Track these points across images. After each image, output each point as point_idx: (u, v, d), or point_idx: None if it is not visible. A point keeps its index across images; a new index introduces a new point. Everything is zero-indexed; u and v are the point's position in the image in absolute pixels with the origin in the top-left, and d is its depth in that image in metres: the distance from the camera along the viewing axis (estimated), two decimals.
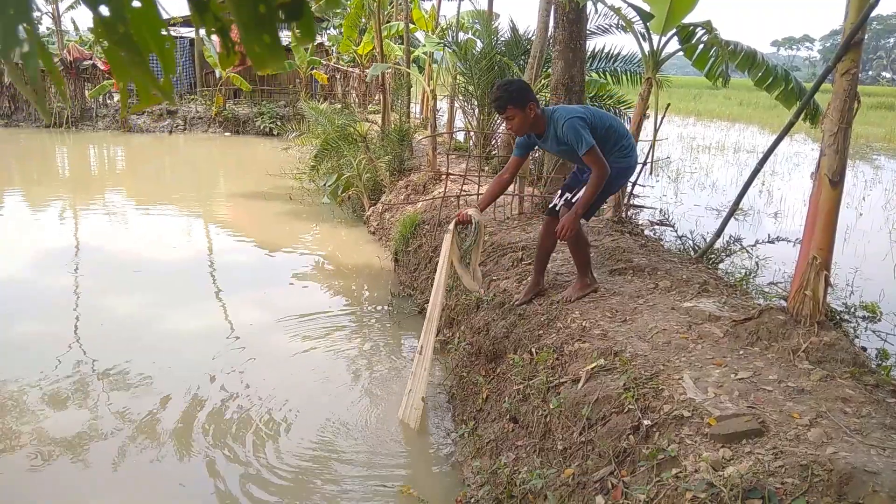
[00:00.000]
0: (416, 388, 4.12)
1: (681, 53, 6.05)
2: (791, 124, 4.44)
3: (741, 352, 3.33)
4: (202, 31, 1.08)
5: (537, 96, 4.11)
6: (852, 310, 5.14)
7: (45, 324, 5.69)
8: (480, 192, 6.67)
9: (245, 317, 6.00)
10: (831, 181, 3.37)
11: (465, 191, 6.81)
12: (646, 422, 2.85)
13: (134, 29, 0.98)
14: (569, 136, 3.82)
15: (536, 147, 4.30)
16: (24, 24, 0.95)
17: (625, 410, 2.99)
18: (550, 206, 4.36)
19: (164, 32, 1.00)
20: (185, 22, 20.95)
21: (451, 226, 4.24)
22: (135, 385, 4.61)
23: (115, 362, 4.90)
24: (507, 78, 5.39)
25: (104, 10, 0.96)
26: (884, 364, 4.17)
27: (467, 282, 4.34)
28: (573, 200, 4.03)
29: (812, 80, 4.72)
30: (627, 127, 4.99)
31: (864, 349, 3.98)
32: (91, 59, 19.76)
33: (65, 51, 19.47)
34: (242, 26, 0.96)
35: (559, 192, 4.34)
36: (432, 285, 4.36)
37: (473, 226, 4.20)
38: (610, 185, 4.02)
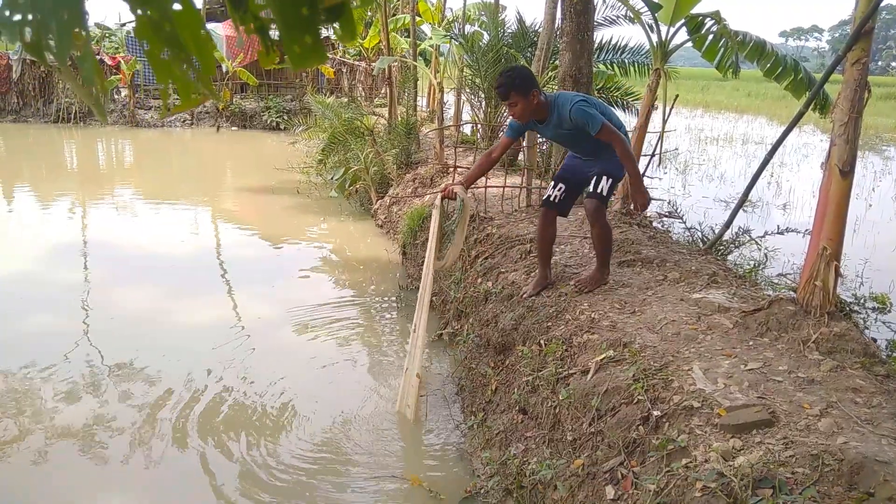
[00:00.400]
0: (411, 366, 4.12)
1: (689, 45, 6.03)
2: (801, 114, 4.41)
3: (751, 343, 3.32)
4: (209, 25, 1.07)
5: (545, 89, 4.11)
6: (862, 301, 5.10)
7: (54, 316, 5.73)
8: (488, 184, 6.67)
9: (253, 310, 6.03)
10: (841, 171, 3.35)
11: (453, 260, 6.82)
12: (655, 412, 2.85)
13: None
14: (579, 119, 3.85)
15: (540, 137, 4.32)
16: (78, 29, 0.95)
17: (634, 401, 2.99)
18: (546, 197, 4.35)
19: (202, 31, 0.99)
20: None
21: (438, 200, 4.24)
22: (143, 377, 4.63)
23: (123, 355, 4.93)
24: (510, 65, 5.40)
25: (148, 10, 0.95)
26: (894, 355, 4.15)
27: (444, 257, 4.31)
28: (598, 191, 4.05)
29: (821, 71, 4.69)
30: (633, 120, 4.99)
31: (875, 340, 3.96)
32: (99, 54, 19.80)
33: None
34: (284, 27, 0.94)
35: (553, 183, 4.35)
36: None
37: (458, 202, 4.21)
38: (621, 169, 4.04)
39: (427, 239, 6.83)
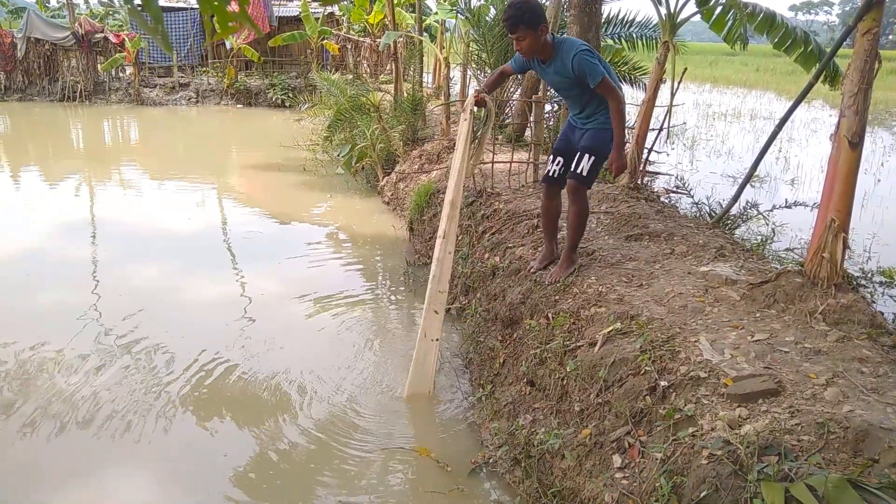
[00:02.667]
0: (434, 302, 4.08)
1: (697, 18, 5.97)
2: (810, 86, 4.39)
3: (758, 314, 3.34)
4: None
5: None
6: (869, 275, 5.11)
7: (63, 293, 5.77)
8: (494, 160, 6.65)
9: (260, 286, 6.07)
10: (850, 143, 3.34)
11: (479, 159, 6.78)
12: (662, 383, 2.88)
13: None
14: (579, 69, 3.76)
15: (545, 112, 4.27)
16: None
17: (641, 372, 3.02)
18: (546, 173, 4.31)
19: None
20: None
21: (471, 107, 4.17)
22: (151, 353, 4.67)
23: (131, 331, 4.98)
24: None
25: None
26: None
27: (473, 163, 4.33)
28: (579, 171, 3.97)
29: (831, 45, 4.65)
30: (640, 95, 4.95)
31: (882, 314, 3.97)
32: (103, 32, 19.71)
33: (76, 24, 19.41)
34: None
35: (550, 157, 4.30)
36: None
37: (485, 109, 4.22)
38: (608, 144, 3.95)
39: (435, 214, 6.85)
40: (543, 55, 3.90)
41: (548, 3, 7.68)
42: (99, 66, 19.83)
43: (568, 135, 4.19)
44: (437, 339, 4.09)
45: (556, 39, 3.90)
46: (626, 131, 7.51)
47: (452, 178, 4.19)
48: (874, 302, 4.77)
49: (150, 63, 20.81)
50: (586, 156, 3.96)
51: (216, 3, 1.05)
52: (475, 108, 4.28)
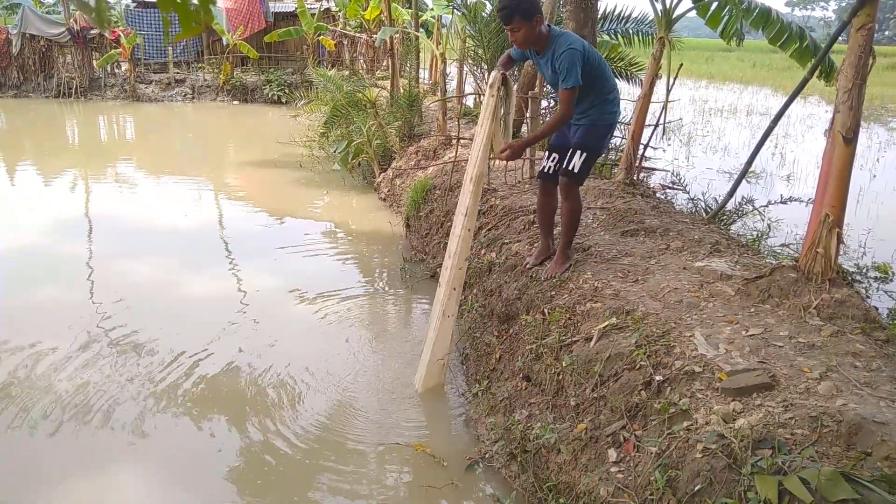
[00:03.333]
0: (454, 279, 4.03)
1: (693, 14, 5.98)
2: (805, 81, 4.40)
3: (752, 309, 3.35)
4: None
5: None
6: (864, 270, 5.13)
7: (59, 290, 5.77)
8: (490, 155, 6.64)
9: (256, 282, 6.07)
10: (845, 138, 3.36)
11: (508, 139, 6.79)
12: (657, 377, 2.90)
13: None
14: (561, 65, 3.75)
15: (542, 108, 4.22)
16: None
17: (637, 367, 3.03)
18: (541, 170, 4.31)
19: None
20: None
21: (498, 83, 4.00)
22: (147, 349, 4.67)
23: (127, 327, 4.97)
24: None
25: None
26: (895, 322, 4.18)
27: (500, 141, 4.14)
28: (571, 168, 3.97)
29: (827, 41, 4.65)
30: (636, 91, 4.93)
31: (876, 309, 3.99)
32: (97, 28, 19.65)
33: (71, 20, 19.35)
34: None
35: (546, 153, 4.30)
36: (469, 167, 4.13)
37: (506, 88, 4.07)
38: (601, 140, 3.99)
39: (432, 210, 6.86)
40: (539, 46, 3.90)
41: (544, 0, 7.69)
42: (94, 62, 19.77)
43: (563, 131, 4.18)
44: (451, 316, 4.11)
45: (554, 32, 3.88)
46: (623, 127, 7.54)
47: (475, 154, 4.08)
48: (869, 297, 4.79)
49: (145, 59, 20.75)
50: (578, 152, 3.95)
51: (179, 2, 1.03)
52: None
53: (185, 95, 20.08)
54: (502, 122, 4.09)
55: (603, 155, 4.55)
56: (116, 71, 20.52)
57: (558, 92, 3.93)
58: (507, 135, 4.11)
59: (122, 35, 19.11)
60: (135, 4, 21.82)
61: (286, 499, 3.31)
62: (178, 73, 20.62)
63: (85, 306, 5.37)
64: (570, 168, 3.98)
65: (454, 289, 4.08)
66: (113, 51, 19.20)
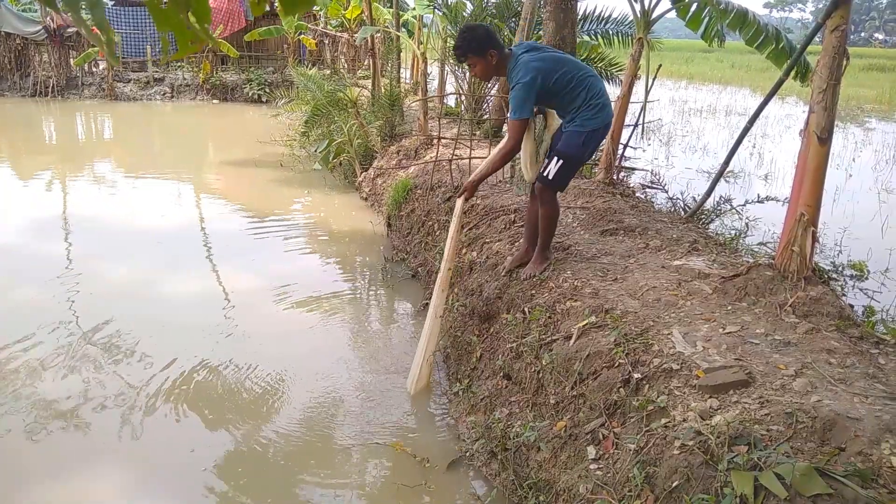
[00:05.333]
0: (443, 281, 4.17)
1: (673, 15, 6.03)
2: (781, 82, 4.45)
3: (729, 307, 3.39)
4: None
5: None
6: (840, 268, 5.20)
7: (36, 290, 5.69)
8: (473, 155, 6.66)
9: (236, 283, 6.03)
10: (819, 138, 3.40)
11: (456, 155, 6.80)
12: (636, 375, 2.92)
13: None
14: (511, 99, 3.78)
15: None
16: None
17: (615, 365, 3.05)
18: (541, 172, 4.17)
19: None
20: None
21: (464, 206, 4.18)
22: (125, 351, 4.62)
23: (105, 328, 4.92)
24: (468, 24, 5.03)
25: None
26: (870, 320, 4.24)
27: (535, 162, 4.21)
28: (545, 174, 3.95)
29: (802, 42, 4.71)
30: (616, 90, 4.92)
31: (852, 306, 4.05)
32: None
33: (48, 18, 19.08)
34: None
35: (546, 156, 4.17)
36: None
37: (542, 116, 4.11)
38: (580, 148, 3.90)
39: (413, 210, 6.86)
40: (502, 73, 3.95)
41: (524, 0, 7.71)
42: (72, 60, 19.51)
43: (556, 136, 4.11)
44: (441, 317, 4.22)
45: (514, 58, 3.84)
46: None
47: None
48: (845, 294, 4.85)
49: (123, 58, 20.52)
50: (555, 159, 3.92)
51: (176, 20, 1.02)
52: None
53: (164, 94, 19.91)
54: (536, 143, 4.11)
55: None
56: (94, 70, 20.29)
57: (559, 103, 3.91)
58: (540, 157, 4.15)
59: (99, 33, 18.85)
60: (112, 3, 21.57)
61: (267, 499, 3.29)
62: (156, 71, 20.43)
63: (62, 308, 5.30)
64: (545, 174, 3.97)
65: (442, 290, 4.21)
66: (90, 49, 18.95)
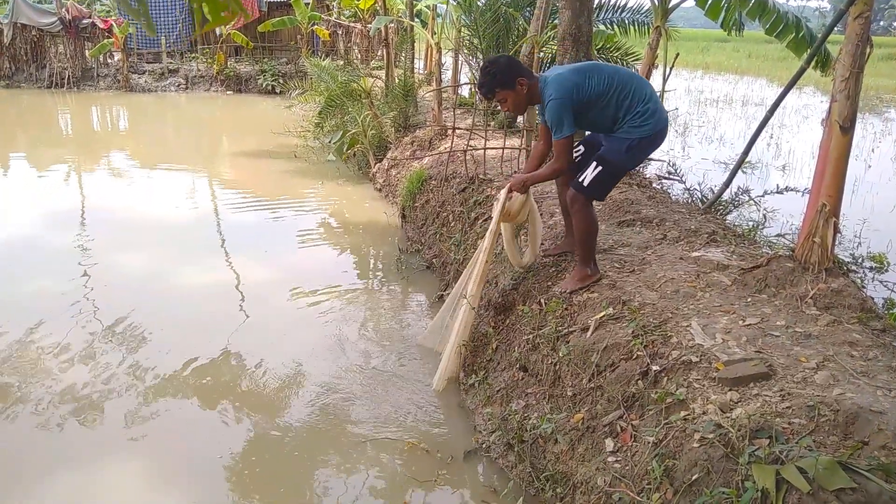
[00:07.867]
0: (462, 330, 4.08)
1: (689, 4, 5.96)
2: (802, 71, 4.38)
3: (749, 299, 3.35)
4: None
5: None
6: (860, 260, 5.14)
7: (51, 280, 5.72)
8: (488, 146, 6.63)
9: (250, 275, 6.04)
10: (842, 127, 3.35)
11: (471, 146, 6.77)
12: (654, 367, 2.90)
13: None
14: (549, 119, 3.53)
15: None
16: None
17: (633, 357, 3.03)
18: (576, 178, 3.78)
19: None
20: None
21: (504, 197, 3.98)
22: (139, 341, 4.64)
23: (120, 321, 4.93)
24: (489, 58, 4.26)
25: None
26: (892, 312, 4.19)
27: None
28: (580, 179, 3.63)
29: (822, 31, 4.64)
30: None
31: (872, 299, 3.99)
32: (90, 17, 19.47)
33: (63, 10, 19.17)
34: None
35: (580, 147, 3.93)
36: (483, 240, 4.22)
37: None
38: (623, 155, 3.58)
39: (427, 201, 6.84)
40: (536, 101, 3.65)
41: None
42: (87, 52, 19.61)
43: (599, 140, 3.82)
44: (475, 308, 4.14)
45: (542, 79, 3.60)
46: None
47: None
48: (864, 287, 4.79)
49: (138, 49, 20.59)
50: (593, 164, 3.60)
51: None
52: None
53: (178, 85, 19.95)
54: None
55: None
56: (109, 61, 20.37)
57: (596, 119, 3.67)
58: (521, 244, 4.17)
59: (114, 25, 18.95)
60: None
61: (278, 492, 3.30)
62: (171, 63, 20.48)
63: (78, 299, 5.33)
64: (579, 179, 3.63)
65: (480, 281, 4.14)
66: (105, 41, 19.04)
